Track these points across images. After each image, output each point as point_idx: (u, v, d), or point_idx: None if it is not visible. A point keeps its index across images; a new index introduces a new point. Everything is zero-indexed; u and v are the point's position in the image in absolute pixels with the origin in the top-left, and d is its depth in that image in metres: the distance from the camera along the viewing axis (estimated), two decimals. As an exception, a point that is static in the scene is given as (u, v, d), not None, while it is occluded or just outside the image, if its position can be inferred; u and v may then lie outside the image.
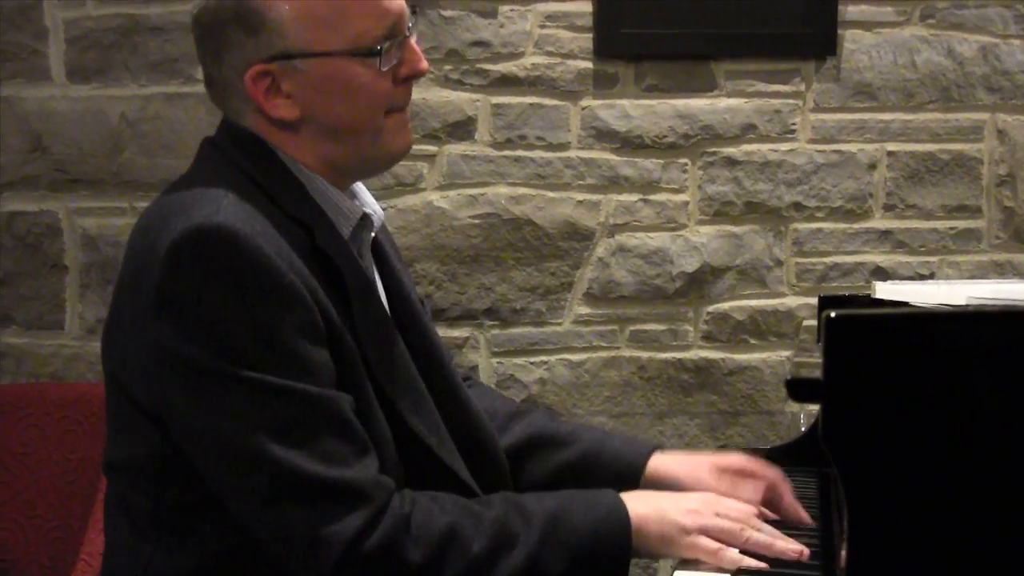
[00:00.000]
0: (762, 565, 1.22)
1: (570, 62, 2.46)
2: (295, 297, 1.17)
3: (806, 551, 1.24)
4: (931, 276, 2.53)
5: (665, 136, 2.48)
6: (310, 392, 1.16)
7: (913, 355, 1.06)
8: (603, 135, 2.48)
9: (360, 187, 1.37)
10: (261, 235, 1.17)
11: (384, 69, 1.25)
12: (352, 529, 1.14)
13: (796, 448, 1.59)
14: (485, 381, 2.47)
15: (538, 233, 2.48)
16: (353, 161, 1.30)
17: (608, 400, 2.51)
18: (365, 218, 1.32)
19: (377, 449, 1.21)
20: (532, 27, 2.46)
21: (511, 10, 2.45)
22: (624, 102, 2.47)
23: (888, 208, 2.53)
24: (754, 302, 2.52)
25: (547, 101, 2.47)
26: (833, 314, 1.05)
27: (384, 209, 1.41)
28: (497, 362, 2.49)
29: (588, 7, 2.45)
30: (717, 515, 1.25)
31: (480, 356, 2.49)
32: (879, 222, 2.53)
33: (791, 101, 2.50)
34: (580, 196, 2.49)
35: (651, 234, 2.50)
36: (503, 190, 2.47)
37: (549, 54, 2.46)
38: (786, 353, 2.52)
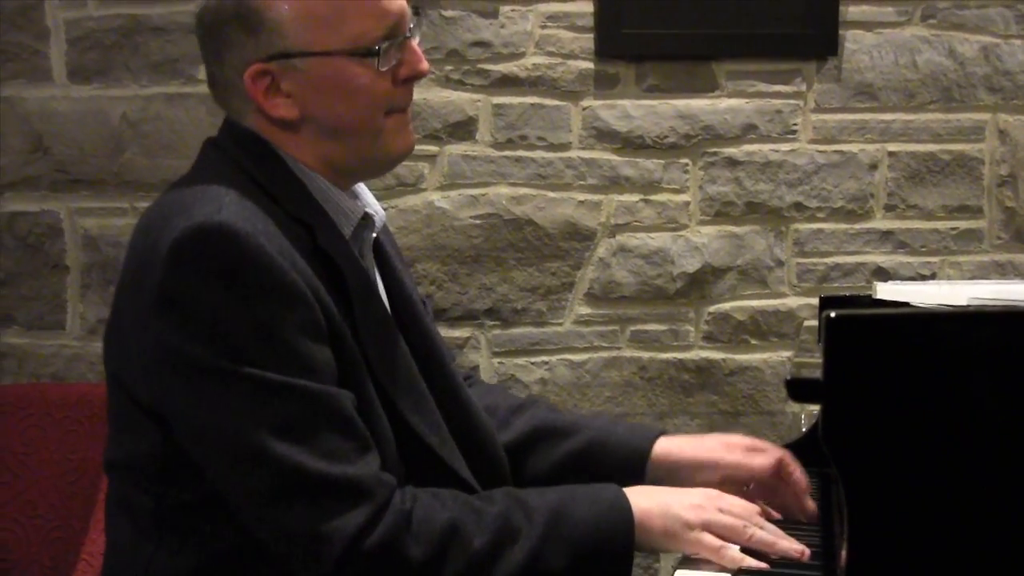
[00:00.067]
0: (763, 565, 1.22)
1: (571, 62, 2.46)
2: (297, 295, 1.17)
3: (807, 551, 1.24)
4: (932, 276, 2.53)
5: (666, 136, 2.48)
6: (312, 389, 1.16)
7: (913, 355, 1.06)
8: (604, 135, 2.48)
9: (362, 187, 1.38)
10: (263, 233, 1.17)
11: (383, 69, 1.25)
12: (354, 526, 1.14)
13: (797, 448, 1.58)
14: (486, 381, 2.47)
15: (539, 233, 2.48)
16: (353, 161, 1.30)
17: (609, 400, 2.51)
18: (366, 218, 1.32)
19: (378, 448, 1.21)
20: (533, 27, 2.46)
21: (512, 10, 2.45)
22: (625, 102, 2.47)
23: (889, 208, 2.53)
24: (755, 302, 2.52)
25: (548, 101, 2.47)
26: (833, 314, 1.05)
27: (385, 209, 1.41)
28: (498, 362, 2.49)
29: (589, 7, 2.45)
30: (720, 511, 1.25)
31: (481, 356, 2.49)
32: (880, 222, 2.53)
33: (792, 101, 2.50)
34: (581, 196, 2.49)
35: (652, 234, 2.50)
36: (504, 190, 2.47)
37: (550, 54, 2.46)
38: (787, 353, 2.52)
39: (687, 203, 2.50)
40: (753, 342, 2.52)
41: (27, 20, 2.43)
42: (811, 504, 1.42)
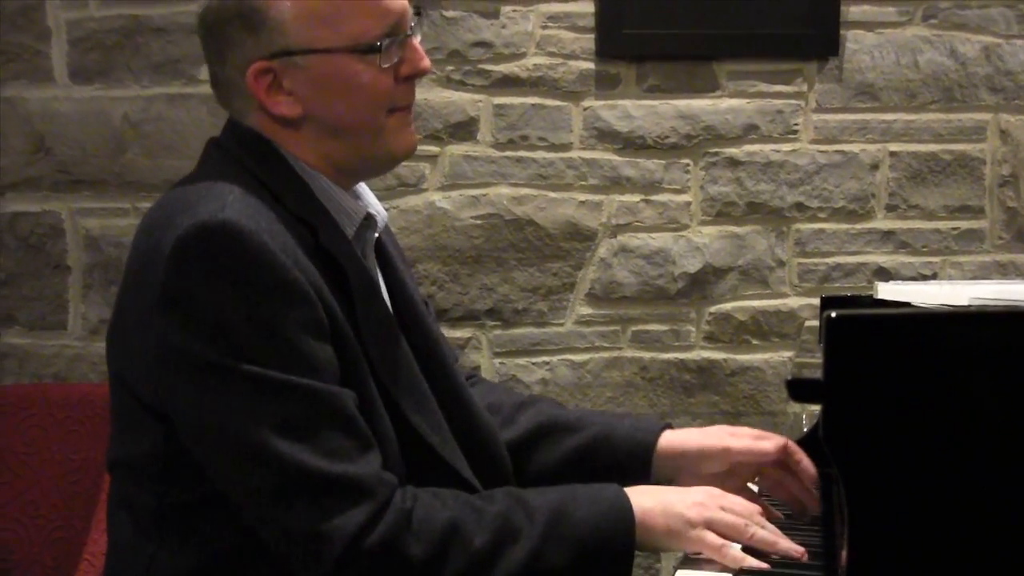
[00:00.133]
0: (764, 565, 1.22)
1: (572, 63, 2.46)
2: (299, 293, 1.17)
3: (805, 553, 1.24)
4: (934, 277, 2.52)
5: (667, 136, 2.48)
6: (314, 388, 1.16)
7: (914, 356, 1.05)
8: (605, 135, 2.48)
9: (363, 188, 1.38)
10: (266, 232, 1.17)
11: (385, 66, 1.25)
12: (354, 525, 1.14)
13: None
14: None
15: (540, 233, 2.48)
16: (355, 160, 1.30)
17: (610, 401, 2.51)
18: (369, 218, 1.33)
19: (380, 447, 1.22)
20: (534, 28, 2.46)
21: (513, 11, 2.46)
22: (626, 102, 2.47)
23: (890, 208, 2.53)
24: (756, 303, 2.52)
25: (549, 102, 2.47)
26: (834, 314, 1.05)
27: (386, 210, 1.41)
28: (499, 362, 2.49)
29: (590, 7, 2.45)
30: (722, 509, 1.25)
31: (482, 357, 2.49)
32: (881, 222, 2.53)
33: (793, 101, 2.50)
34: (582, 196, 2.49)
35: (653, 234, 2.50)
36: (505, 191, 2.48)
37: (551, 55, 2.46)
38: (788, 354, 2.52)
39: (688, 203, 2.50)
40: (754, 342, 2.52)
41: (28, 21, 2.43)
42: (816, 496, 1.42)
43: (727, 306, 2.51)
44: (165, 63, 2.44)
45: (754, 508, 1.29)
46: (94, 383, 2.40)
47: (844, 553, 1.08)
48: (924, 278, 2.51)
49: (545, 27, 2.46)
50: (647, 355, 2.51)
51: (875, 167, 2.52)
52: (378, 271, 1.37)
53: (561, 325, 2.50)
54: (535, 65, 2.46)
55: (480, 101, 2.47)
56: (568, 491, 1.25)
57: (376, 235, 1.37)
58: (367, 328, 1.25)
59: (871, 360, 1.05)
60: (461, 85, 2.46)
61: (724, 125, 2.49)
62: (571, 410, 1.53)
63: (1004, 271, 2.54)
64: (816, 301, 2.30)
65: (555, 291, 2.49)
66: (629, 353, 2.51)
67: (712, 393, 2.51)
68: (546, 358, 2.50)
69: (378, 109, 1.27)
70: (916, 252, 2.53)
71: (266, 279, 1.16)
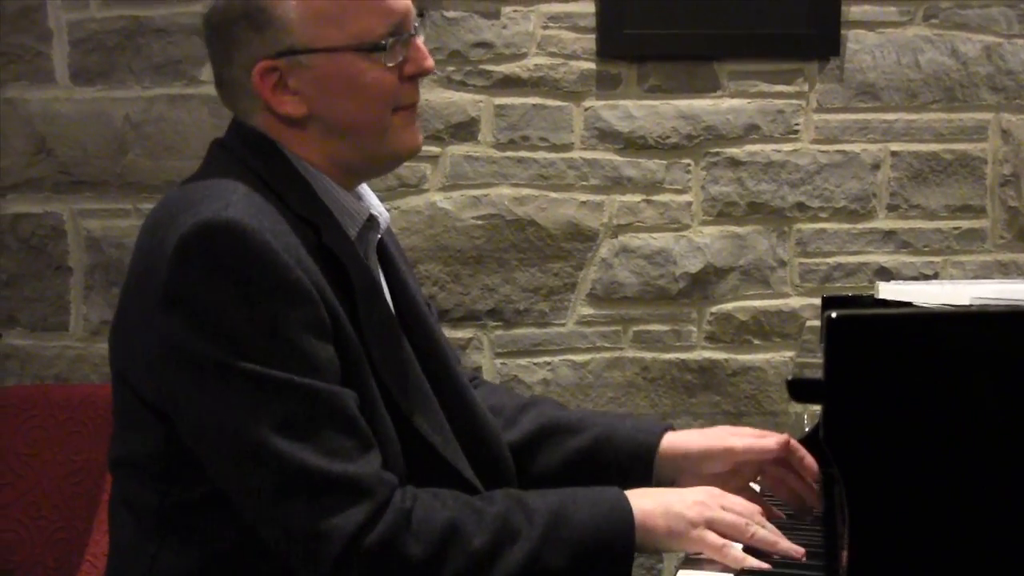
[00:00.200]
0: (765, 565, 1.22)
1: (573, 63, 2.46)
2: (302, 293, 1.17)
3: (805, 554, 1.25)
4: (935, 276, 2.52)
5: (668, 137, 2.48)
6: (315, 387, 1.16)
7: (915, 356, 1.05)
8: (606, 136, 2.48)
9: (366, 189, 1.38)
10: (269, 231, 1.18)
11: (389, 65, 1.26)
12: (353, 524, 1.14)
13: (800, 449, 1.58)
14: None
15: (541, 234, 2.48)
16: (360, 160, 1.31)
17: (612, 401, 2.51)
18: (371, 219, 1.33)
19: (381, 447, 1.22)
20: (535, 28, 2.46)
21: (514, 11, 2.46)
22: (627, 103, 2.47)
23: (892, 208, 2.53)
24: (757, 303, 2.52)
25: (550, 102, 2.47)
26: (834, 315, 1.05)
27: (388, 210, 1.41)
28: (500, 363, 2.49)
29: (591, 8, 2.45)
30: (723, 508, 1.25)
31: (483, 357, 2.49)
32: (883, 222, 2.53)
33: (794, 101, 2.50)
34: (583, 197, 2.49)
35: (654, 235, 2.50)
36: (506, 191, 2.48)
37: (552, 55, 2.46)
38: (790, 354, 2.51)
39: (689, 203, 2.50)
40: (756, 342, 2.52)
41: (30, 22, 2.43)
42: (818, 492, 1.42)
43: (728, 306, 2.51)
44: (166, 64, 2.44)
45: (755, 508, 1.29)
46: (96, 384, 2.40)
47: (845, 553, 1.08)
48: (925, 278, 2.51)
49: (546, 27, 2.46)
50: (648, 355, 2.51)
51: (876, 167, 2.52)
52: (380, 272, 1.37)
53: (562, 325, 2.50)
54: (536, 65, 2.46)
55: (481, 101, 2.47)
56: (568, 493, 1.25)
57: (378, 236, 1.37)
58: (369, 328, 1.25)
59: (872, 360, 1.05)
60: (462, 85, 2.46)
61: (725, 125, 2.49)
62: (573, 411, 1.53)
63: (1006, 271, 2.54)
64: (817, 301, 2.29)
65: (556, 291, 2.49)
66: (630, 353, 2.50)
67: (713, 393, 2.51)
68: (547, 358, 2.50)
69: (383, 108, 1.28)
70: (917, 252, 2.53)
71: (268, 278, 1.16)
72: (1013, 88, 2.51)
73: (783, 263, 2.52)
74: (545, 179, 2.48)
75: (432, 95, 2.44)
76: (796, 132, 2.50)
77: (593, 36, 2.45)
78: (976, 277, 2.51)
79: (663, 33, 2.43)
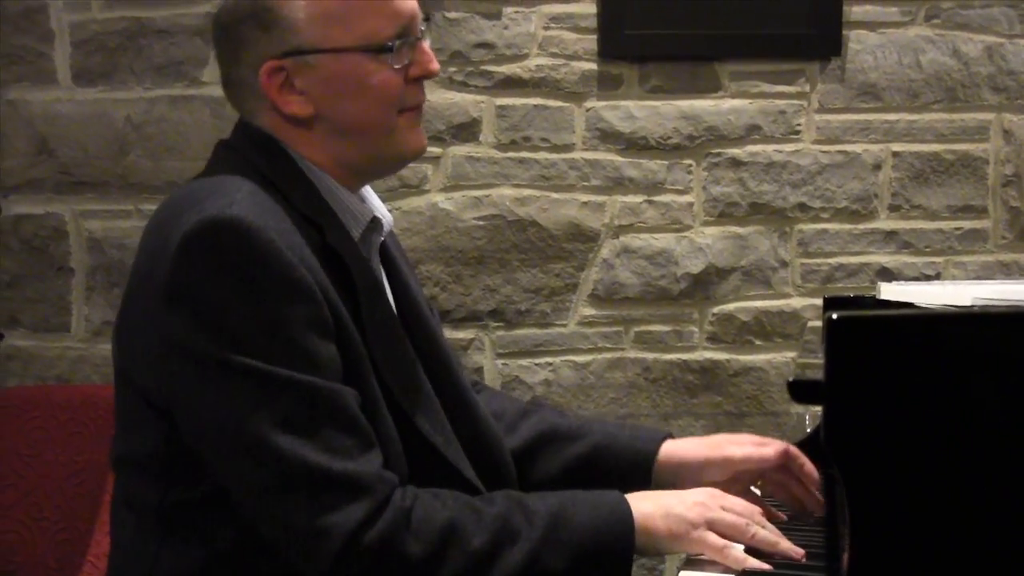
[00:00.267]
0: (766, 566, 1.22)
1: (574, 63, 2.46)
2: (305, 291, 1.18)
3: (804, 555, 1.25)
4: (937, 277, 2.52)
5: (669, 137, 2.48)
6: (316, 385, 1.16)
7: (916, 356, 1.05)
8: (607, 136, 2.48)
9: (369, 192, 1.39)
10: (274, 229, 1.18)
11: (396, 67, 1.27)
12: (353, 521, 1.14)
13: (802, 449, 1.58)
14: (490, 382, 2.47)
15: (543, 234, 2.48)
16: (365, 160, 1.31)
17: (613, 401, 2.51)
18: (375, 221, 1.33)
19: (382, 447, 1.22)
20: (536, 29, 2.46)
21: (515, 12, 2.46)
22: (628, 103, 2.47)
23: (893, 209, 2.53)
24: (759, 303, 2.52)
25: (551, 102, 2.47)
26: (835, 316, 1.05)
27: (389, 211, 1.42)
28: (502, 363, 2.49)
29: (592, 8, 2.45)
30: (723, 508, 1.25)
31: (485, 358, 2.49)
32: (884, 223, 2.53)
33: (796, 102, 2.49)
34: (585, 197, 2.49)
35: (656, 235, 2.50)
36: (508, 192, 2.48)
37: (553, 55, 2.46)
38: (791, 354, 2.51)
39: (691, 204, 2.50)
40: (757, 343, 2.52)
41: (31, 23, 2.44)
42: (819, 498, 1.42)
43: (730, 307, 2.51)
44: (167, 65, 2.44)
45: (755, 508, 1.29)
46: (97, 385, 2.40)
47: (846, 555, 1.08)
48: (927, 278, 2.51)
49: (547, 28, 2.46)
50: (650, 356, 2.51)
51: (878, 167, 2.52)
52: (383, 274, 1.37)
53: (564, 326, 2.50)
54: (537, 66, 2.46)
55: (482, 102, 2.47)
56: (568, 496, 1.25)
57: (381, 239, 1.37)
58: (372, 328, 1.26)
59: (872, 361, 1.05)
60: (463, 86, 2.46)
61: (727, 126, 2.49)
62: (573, 418, 1.53)
63: (1007, 271, 2.54)
64: (819, 301, 2.30)
65: (558, 292, 2.49)
66: (632, 354, 2.50)
67: (715, 394, 2.51)
68: (549, 359, 2.50)
69: (389, 109, 1.28)
70: (919, 252, 2.53)
71: (272, 276, 1.16)
72: (1014, 88, 2.51)
73: (784, 263, 2.52)
74: (546, 180, 2.48)
75: (433, 96, 2.44)
76: (797, 132, 2.50)
77: (594, 37, 2.45)
78: (978, 277, 2.51)
79: (664, 33, 2.43)
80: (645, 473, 1.42)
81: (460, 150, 2.47)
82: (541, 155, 2.48)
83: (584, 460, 1.44)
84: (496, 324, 2.49)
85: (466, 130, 2.47)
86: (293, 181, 1.27)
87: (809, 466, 1.41)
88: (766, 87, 2.49)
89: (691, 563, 1.25)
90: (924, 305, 1.22)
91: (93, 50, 2.44)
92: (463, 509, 1.20)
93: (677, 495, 1.28)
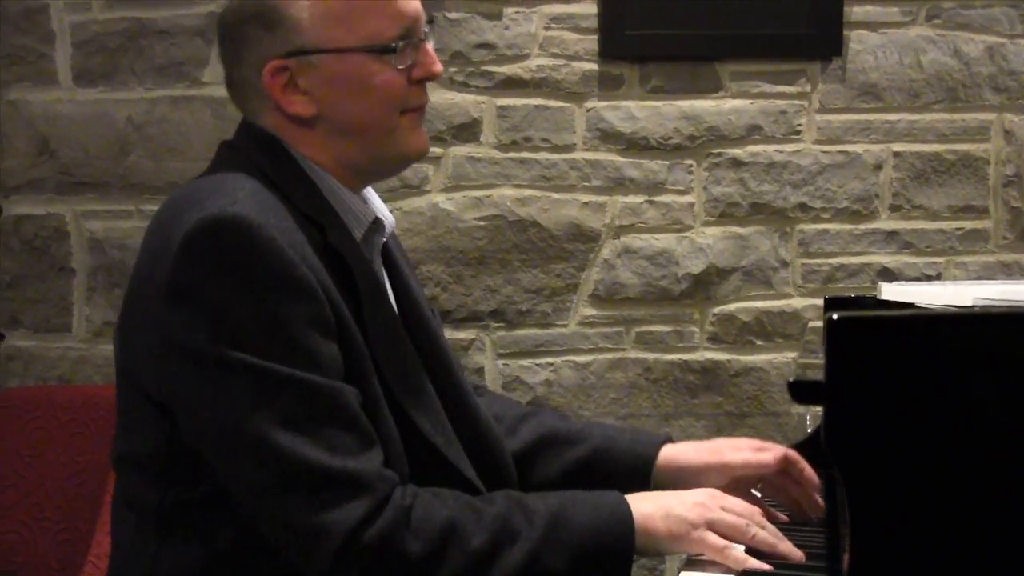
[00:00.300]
0: (766, 567, 1.22)
1: (575, 64, 2.46)
2: (306, 289, 1.18)
3: (804, 557, 1.25)
4: (938, 277, 2.52)
5: (670, 137, 2.48)
6: (317, 383, 1.17)
7: (916, 357, 1.05)
8: (608, 137, 2.48)
9: (371, 193, 1.39)
10: (276, 227, 1.18)
11: (399, 68, 1.27)
12: (353, 519, 1.14)
13: (801, 449, 1.58)
14: (491, 383, 2.48)
15: (543, 235, 2.48)
16: (367, 161, 1.31)
17: (614, 402, 2.51)
18: (377, 222, 1.34)
19: (383, 446, 1.22)
20: (537, 29, 2.46)
21: (516, 12, 2.46)
22: (629, 103, 2.47)
23: (894, 209, 2.53)
24: (760, 303, 2.52)
25: (552, 103, 2.47)
26: (835, 316, 1.05)
27: (390, 211, 1.42)
28: (503, 364, 2.49)
29: (593, 9, 2.45)
30: (723, 509, 1.25)
31: (486, 358, 2.49)
32: (885, 223, 2.53)
33: (796, 102, 2.49)
34: (585, 198, 2.49)
35: (657, 235, 2.50)
36: (508, 192, 2.48)
37: (554, 56, 2.46)
38: (792, 354, 2.51)
39: (691, 204, 2.50)
40: (758, 343, 2.52)
41: (33, 24, 2.44)
42: (820, 501, 1.42)
43: (731, 307, 2.51)
44: (168, 65, 2.44)
45: (755, 509, 1.29)
46: (98, 385, 2.40)
47: (846, 555, 1.08)
48: (928, 278, 2.51)
49: (548, 28, 2.46)
50: (651, 356, 2.51)
51: (879, 167, 2.52)
52: (384, 275, 1.38)
53: (565, 326, 2.50)
54: (538, 66, 2.46)
55: (483, 102, 2.47)
56: (568, 496, 1.26)
57: (383, 240, 1.37)
58: (373, 329, 1.26)
59: (873, 362, 1.05)
60: (464, 86, 2.46)
61: (727, 126, 2.49)
62: (573, 422, 1.53)
63: (1008, 271, 2.53)
64: (820, 302, 2.29)
65: (559, 292, 2.49)
66: (633, 354, 2.50)
67: (716, 394, 2.51)
68: (550, 359, 2.50)
69: (391, 109, 1.29)
70: (920, 252, 2.53)
71: (273, 274, 1.16)
72: (1016, 88, 2.51)
73: (785, 264, 2.52)
74: (547, 180, 2.48)
75: (434, 96, 2.43)
76: (798, 133, 2.50)
77: (595, 37, 2.45)
78: (979, 278, 2.51)
79: (665, 34, 2.43)
80: (644, 477, 1.42)
81: (461, 150, 2.47)
82: (542, 155, 2.48)
83: (583, 464, 1.45)
84: (497, 324, 2.49)
85: (467, 130, 2.47)
86: (295, 181, 1.28)
87: (809, 471, 1.42)
88: (767, 87, 2.48)
89: (692, 564, 1.25)
90: (925, 305, 1.22)
91: (94, 51, 2.44)
92: (463, 508, 1.20)
93: (677, 495, 1.28)
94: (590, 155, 2.48)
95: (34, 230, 2.46)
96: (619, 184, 2.49)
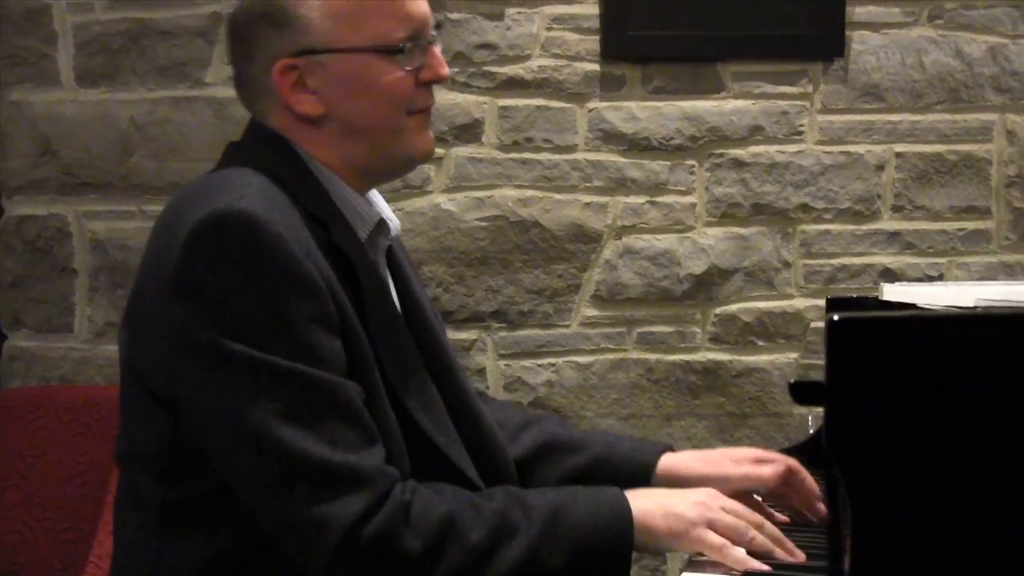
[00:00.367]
0: (766, 568, 1.22)
1: (577, 64, 2.46)
2: (310, 285, 1.18)
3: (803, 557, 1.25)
4: (940, 277, 2.52)
5: (672, 138, 2.48)
6: (319, 377, 1.17)
7: (917, 358, 1.05)
8: (610, 137, 2.48)
9: (377, 196, 1.39)
10: (281, 223, 1.19)
11: (407, 69, 1.28)
12: (352, 513, 1.14)
13: (805, 450, 1.58)
14: (492, 383, 2.48)
15: (545, 235, 2.48)
16: (373, 161, 1.32)
17: (616, 402, 2.51)
18: (381, 224, 1.34)
19: (385, 445, 1.22)
20: (539, 29, 2.46)
21: (518, 13, 2.46)
22: (631, 104, 2.47)
23: (896, 209, 2.52)
24: (762, 304, 2.52)
25: (554, 103, 2.47)
26: (836, 317, 1.05)
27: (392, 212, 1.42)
28: (505, 364, 2.49)
29: (595, 9, 2.45)
30: (723, 510, 1.25)
31: (487, 358, 2.50)
32: (887, 223, 2.52)
33: (798, 102, 2.49)
34: (587, 198, 2.49)
35: (658, 236, 2.49)
36: (510, 192, 2.48)
37: (556, 56, 2.46)
38: (794, 355, 2.51)
39: (693, 205, 2.50)
40: (760, 344, 2.51)
41: (35, 24, 2.44)
42: (822, 508, 1.42)
43: (732, 307, 2.51)
44: (170, 66, 2.44)
45: (755, 515, 1.29)
46: (100, 385, 2.41)
47: (848, 556, 1.08)
48: (930, 279, 2.51)
49: (550, 29, 2.46)
50: (652, 357, 2.50)
51: (881, 168, 2.52)
52: (389, 277, 1.38)
53: (566, 327, 2.50)
54: (540, 67, 2.46)
55: (485, 103, 2.47)
56: (568, 492, 1.26)
57: (388, 243, 1.38)
58: (376, 328, 1.26)
59: (874, 363, 1.05)
60: (466, 87, 2.46)
61: (729, 126, 2.49)
62: (575, 430, 1.55)
63: (1011, 272, 2.53)
64: (822, 302, 2.29)
65: (560, 293, 2.49)
66: (634, 355, 2.50)
67: (718, 395, 2.51)
68: (551, 360, 2.50)
69: (398, 109, 1.30)
70: (922, 253, 2.53)
71: (278, 269, 1.17)
72: (1018, 89, 2.51)
73: (787, 264, 2.52)
74: (549, 180, 2.48)
75: (436, 96, 2.42)
76: (800, 133, 2.50)
77: (597, 38, 2.45)
78: (981, 278, 2.51)
79: (667, 34, 2.43)
80: (643, 486, 1.41)
81: (463, 151, 2.47)
82: (544, 156, 2.48)
83: (583, 471, 1.45)
84: (499, 325, 2.49)
85: (469, 131, 2.47)
86: (302, 180, 1.28)
87: (810, 481, 1.42)
88: (769, 88, 2.48)
89: (693, 564, 1.25)
90: (927, 306, 1.22)
91: (96, 51, 2.45)
92: (462, 504, 1.20)
93: (677, 493, 1.29)
94: (592, 156, 2.48)
95: (36, 230, 2.47)
96: (621, 185, 2.49)
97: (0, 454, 2.22)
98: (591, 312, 2.50)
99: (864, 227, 2.52)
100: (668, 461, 1.44)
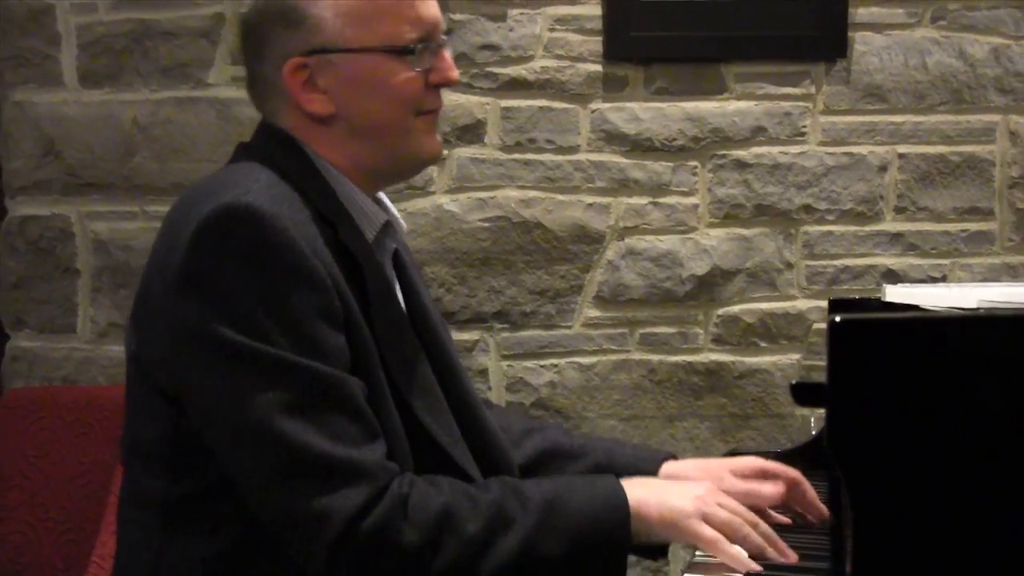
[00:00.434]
0: (757, 567, 1.22)
1: (579, 65, 2.46)
2: (316, 280, 1.19)
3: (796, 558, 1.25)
4: (943, 279, 2.52)
5: (675, 139, 2.48)
6: (322, 371, 1.18)
7: (919, 360, 1.05)
8: (613, 138, 2.48)
9: (384, 198, 1.40)
10: (288, 218, 1.19)
11: (417, 70, 1.29)
12: (352, 507, 1.15)
13: (807, 451, 1.58)
14: (494, 384, 2.48)
15: (548, 236, 2.48)
16: (381, 162, 1.33)
17: (618, 403, 2.51)
18: (388, 226, 1.35)
19: (388, 443, 1.23)
20: (541, 30, 2.46)
21: (520, 13, 2.46)
22: (633, 105, 2.47)
23: (899, 211, 2.52)
24: (764, 305, 2.51)
25: (556, 104, 2.47)
26: (837, 319, 1.05)
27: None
28: (507, 365, 2.50)
29: (597, 10, 2.45)
30: (719, 505, 1.25)
31: (490, 359, 2.50)
32: (890, 224, 2.52)
33: (801, 103, 2.49)
34: (590, 199, 2.49)
35: (661, 237, 2.49)
36: (513, 193, 2.48)
37: (558, 57, 2.46)
38: (796, 356, 2.51)
39: (696, 205, 2.50)
40: (762, 345, 2.51)
41: (39, 25, 2.44)
42: (824, 512, 1.42)
43: (735, 308, 2.51)
44: (174, 67, 2.45)
45: (751, 513, 1.29)
46: (103, 386, 2.41)
47: (849, 557, 1.08)
48: (933, 280, 2.51)
49: (552, 30, 2.46)
50: (655, 358, 2.50)
51: (883, 169, 2.52)
52: (395, 278, 1.38)
53: (569, 328, 2.50)
54: (542, 68, 2.46)
55: (488, 104, 2.47)
56: (564, 482, 1.27)
57: (394, 245, 1.38)
58: (381, 326, 1.27)
59: (876, 365, 1.05)
60: (469, 88, 2.46)
61: (732, 127, 2.49)
62: (577, 438, 1.55)
63: (1014, 273, 2.53)
64: (824, 303, 2.29)
65: (563, 294, 2.49)
66: (637, 356, 2.50)
67: (720, 396, 2.51)
68: (554, 361, 2.50)
69: (407, 110, 1.30)
70: (925, 254, 2.53)
71: (284, 263, 1.18)
72: (1021, 90, 2.50)
73: (790, 265, 2.51)
74: (551, 181, 2.48)
75: (439, 97, 2.44)
76: (803, 134, 2.50)
77: (599, 38, 2.45)
78: (984, 280, 2.51)
79: (669, 35, 2.43)
80: None
81: (465, 152, 2.47)
82: (546, 157, 2.48)
83: None
84: (501, 326, 2.49)
85: (471, 132, 2.47)
86: (310, 179, 1.29)
87: (811, 493, 1.42)
88: (771, 89, 2.48)
89: (695, 565, 1.25)
90: (929, 307, 1.22)
91: (99, 52, 2.45)
92: (458, 496, 1.21)
93: (675, 485, 1.30)
94: (594, 156, 2.48)
95: (39, 231, 2.47)
96: (623, 185, 2.49)
97: (3, 454, 2.23)
98: (593, 313, 2.50)
99: (867, 228, 2.52)
100: (669, 469, 1.44)
